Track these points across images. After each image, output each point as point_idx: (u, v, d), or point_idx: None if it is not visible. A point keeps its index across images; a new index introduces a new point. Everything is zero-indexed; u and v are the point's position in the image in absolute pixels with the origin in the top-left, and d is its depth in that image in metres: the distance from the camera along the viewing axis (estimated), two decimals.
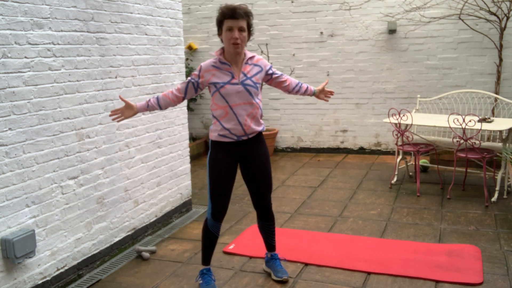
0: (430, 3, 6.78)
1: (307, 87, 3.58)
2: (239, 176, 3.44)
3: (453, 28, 6.82)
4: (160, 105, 3.26)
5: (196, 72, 3.25)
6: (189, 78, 3.27)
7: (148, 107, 3.25)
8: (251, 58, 3.27)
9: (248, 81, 3.19)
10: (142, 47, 4.29)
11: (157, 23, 4.49)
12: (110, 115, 3.28)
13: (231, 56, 3.19)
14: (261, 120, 3.32)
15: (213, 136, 3.27)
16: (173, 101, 3.27)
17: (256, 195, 3.42)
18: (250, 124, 3.22)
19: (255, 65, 3.27)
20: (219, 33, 3.21)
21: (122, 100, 3.23)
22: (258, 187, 3.39)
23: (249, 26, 3.18)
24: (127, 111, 3.24)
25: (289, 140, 7.93)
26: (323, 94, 3.72)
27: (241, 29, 3.11)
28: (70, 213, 3.54)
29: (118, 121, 3.28)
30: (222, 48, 3.24)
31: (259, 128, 3.30)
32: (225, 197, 3.31)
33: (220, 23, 3.17)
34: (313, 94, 3.64)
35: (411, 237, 4.23)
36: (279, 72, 3.43)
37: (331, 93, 3.76)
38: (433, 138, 5.96)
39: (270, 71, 3.35)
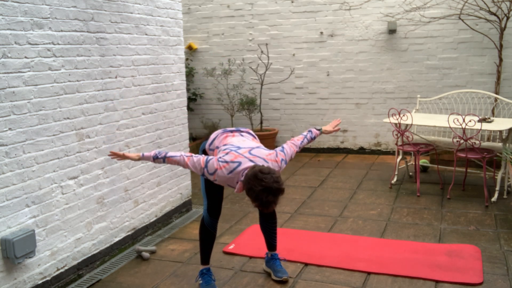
0: (430, 3, 6.78)
1: (313, 133, 3.41)
2: None
3: (453, 28, 6.82)
4: (165, 163, 3.14)
5: (210, 177, 3.00)
6: (202, 170, 2.99)
7: (153, 161, 3.10)
8: None
9: None
10: (142, 47, 4.29)
11: (157, 23, 4.49)
12: (109, 155, 3.14)
13: None
14: None
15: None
16: (177, 165, 3.12)
17: None
18: None
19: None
20: (249, 198, 2.88)
21: (126, 156, 3.07)
22: None
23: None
24: (130, 159, 3.12)
25: None
26: (331, 129, 3.58)
27: None
28: (70, 213, 3.54)
29: (118, 160, 3.21)
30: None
31: None
32: (219, 193, 3.34)
33: (249, 198, 2.86)
34: (321, 133, 3.49)
35: (411, 237, 4.23)
36: (286, 147, 3.22)
37: (337, 128, 3.60)
38: (433, 138, 5.96)
39: (284, 159, 3.14)
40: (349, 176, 6.30)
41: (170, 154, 3.07)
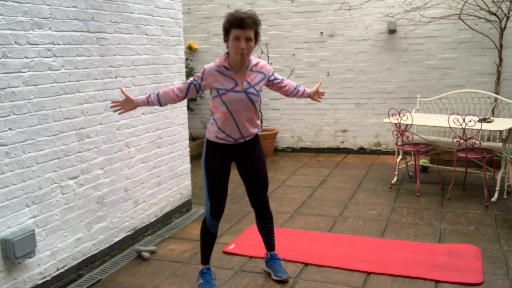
0: (430, 3, 6.78)
1: (304, 90, 3.60)
2: (239, 176, 3.46)
3: (453, 28, 6.82)
4: (160, 101, 3.23)
5: (199, 74, 3.21)
6: (191, 78, 3.24)
7: (148, 103, 3.23)
8: (256, 64, 3.26)
9: (251, 89, 3.20)
10: (142, 47, 4.29)
11: (157, 23, 4.49)
12: (111, 106, 3.26)
13: (236, 64, 3.16)
14: (257, 122, 3.34)
15: (211, 136, 3.29)
16: (173, 100, 3.25)
17: (252, 193, 3.45)
18: (248, 128, 3.27)
19: (259, 72, 3.26)
20: (225, 40, 3.14)
21: (123, 93, 3.21)
22: (254, 185, 3.42)
23: (257, 35, 3.13)
24: (127, 104, 3.23)
25: (289, 140, 7.93)
26: (316, 96, 3.73)
27: (248, 39, 3.06)
28: (70, 213, 3.54)
29: (118, 113, 3.28)
30: (227, 53, 3.19)
31: (256, 130, 3.35)
32: (222, 195, 3.36)
33: (227, 31, 3.09)
34: (309, 95, 3.66)
35: (411, 237, 4.23)
36: (280, 77, 3.43)
37: (323, 93, 3.77)
38: (433, 138, 5.96)
39: (272, 77, 3.37)
40: (349, 176, 6.30)
41: (162, 91, 3.26)
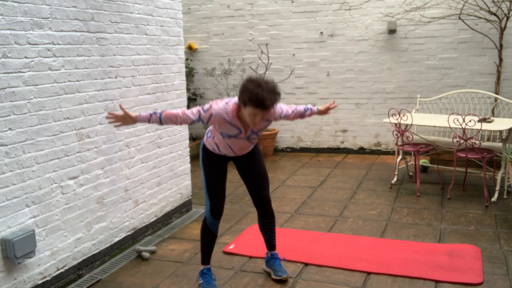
0: (430, 3, 6.78)
1: (311, 112, 3.48)
2: (239, 176, 3.47)
3: (453, 28, 6.82)
4: (162, 122, 3.10)
5: (205, 115, 3.03)
6: (196, 112, 3.05)
7: (149, 121, 3.09)
8: None
9: (253, 135, 3.21)
10: (142, 47, 4.29)
11: (157, 23, 4.49)
12: (107, 117, 3.09)
13: (246, 119, 3.01)
14: (255, 142, 3.35)
15: (208, 145, 3.31)
16: (175, 124, 3.15)
17: (254, 193, 3.46)
18: (244, 150, 3.31)
19: (266, 120, 3.16)
20: (242, 104, 2.93)
21: (122, 109, 3.03)
22: (255, 185, 3.44)
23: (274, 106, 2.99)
24: (125, 120, 3.06)
25: (289, 140, 7.93)
26: (326, 112, 3.63)
27: (265, 115, 2.96)
28: (70, 213, 3.54)
29: (114, 126, 3.16)
30: (238, 105, 3.01)
31: (252, 147, 3.35)
32: (222, 194, 3.37)
33: (244, 102, 2.90)
34: (317, 113, 3.56)
35: (411, 237, 4.23)
36: (285, 111, 3.30)
37: (333, 108, 3.64)
38: (433, 138, 5.96)
39: (278, 118, 3.27)
40: (349, 176, 6.30)
41: (166, 111, 3.11)
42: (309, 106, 3.51)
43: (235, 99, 3.05)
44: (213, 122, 3.06)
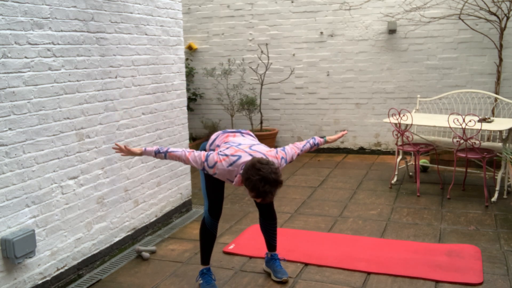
0: (430, 3, 6.78)
1: (317, 144, 3.40)
2: None
3: (453, 28, 6.82)
4: (167, 159, 3.12)
5: (209, 171, 3.01)
6: (202, 165, 3.01)
7: (154, 157, 3.13)
8: None
9: None
10: (142, 47, 4.29)
11: (157, 23, 4.49)
12: (113, 148, 3.14)
13: None
14: None
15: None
16: (178, 161, 3.13)
17: None
18: None
19: None
20: (246, 188, 2.88)
21: (127, 149, 3.07)
22: None
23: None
24: (130, 153, 3.11)
25: (289, 140, 7.92)
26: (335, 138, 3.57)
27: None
28: (70, 213, 3.54)
29: (121, 155, 3.17)
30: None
31: None
32: (220, 194, 3.36)
33: (246, 187, 2.86)
34: (324, 143, 3.48)
35: (411, 237, 4.23)
36: (289, 157, 3.19)
37: (342, 135, 3.57)
38: (433, 138, 5.96)
39: (282, 167, 3.13)
40: (349, 176, 6.30)
41: (171, 149, 3.10)
42: (316, 140, 3.39)
43: (239, 161, 2.95)
44: (214, 173, 3.02)
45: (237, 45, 7.85)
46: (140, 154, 3.12)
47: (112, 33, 3.90)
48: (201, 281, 3.43)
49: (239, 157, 2.97)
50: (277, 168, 2.87)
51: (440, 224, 4.52)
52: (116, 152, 3.16)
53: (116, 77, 3.96)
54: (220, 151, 3.04)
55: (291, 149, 3.24)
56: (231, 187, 5.65)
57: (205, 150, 3.37)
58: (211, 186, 3.32)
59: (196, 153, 3.05)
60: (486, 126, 5.10)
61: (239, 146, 3.06)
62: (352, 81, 7.41)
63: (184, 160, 3.06)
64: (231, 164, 2.96)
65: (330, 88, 7.52)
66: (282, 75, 7.67)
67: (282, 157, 3.13)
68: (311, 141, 3.38)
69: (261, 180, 2.78)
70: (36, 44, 3.20)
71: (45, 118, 3.29)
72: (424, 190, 5.55)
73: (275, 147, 7.96)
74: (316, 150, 7.75)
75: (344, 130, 3.66)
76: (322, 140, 3.44)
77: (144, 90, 4.33)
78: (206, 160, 3.00)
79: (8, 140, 3.04)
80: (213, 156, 3.01)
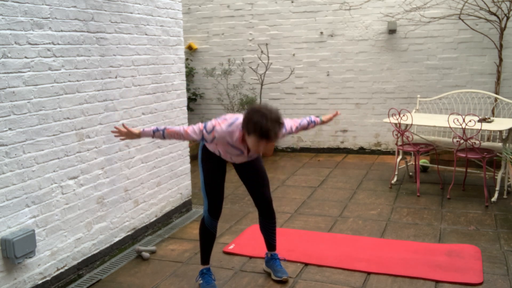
0: (430, 3, 6.78)
1: (314, 124, 3.51)
2: (238, 176, 3.47)
3: (453, 28, 6.82)
4: (165, 138, 3.14)
5: (208, 136, 3.02)
6: (200, 132, 3.03)
7: (153, 137, 3.14)
8: None
9: (254, 155, 3.23)
10: (142, 47, 4.29)
11: (157, 23, 4.49)
12: (112, 131, 3.17)
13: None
14: None
15: (209, 147, 3.28)
16: (178, 140, 3.19)
17: (255, 193, 3.46)
18: (243, 161, 3.33)
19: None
20: (246, 133, 2.92)
21: (126, 128, 3.08)
22: (255, 185, 3.44)
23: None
24: (129, 135, 3.12)
25: (289, 140, 7.93)
26: (328, 121, 3.67)
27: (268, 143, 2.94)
28: (70, 213, 3.54)
29: (120, 140, 3.21)
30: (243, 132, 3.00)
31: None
32: (220, 193, 3.36)
33: (248, 131, 2.89)
34: (320, 123, 3.59)
35: (411, 237, 4.23)
36: (289, 127, 3.29)
37: (335, 116, 3.68)
38: (433, 138, 5.96)
39: (282, 136, 3.19)
40: (349, 176, 6.30)
41: (169, 126, 3.13)
42: (313, 118, 3.52)
43: (238, 121, 3.00)
44: (216, 142, 3.07)
45: (237, 45, 7.85)
46: (139, 135, 3.12)
47: (112, 33, 3.90)
48: (201, 281, 3.43)
49: (237, 118, 3.04)
50: (277, 110, 2.94)
51: (440, 224, 4.52)
52: (116, 136, 3.16)
53: (116, 77, 3.96)
54: (218, 118, 3.11)
55: (290, 121, 3.36)
56: (231, 187, 5.66)
57: (203, 146, 3.38)
58: (211, 185, 3.32)
59: (195, 126, 3.09)
60: (486, 126, 5.10)
61: (237, 115, 3.12)
62: (352, 81, 7.41)
63: (183, 134, 3.08)
64: (230, 125, 3.01)
65: (330, 88, 7.52)
66: (282, 75, 7.67)
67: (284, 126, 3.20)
68: (308, 118, 3.50)
69: (263, 116, 2.82)
70: (36, 44, 3.20)
71: (45, 118, 3.29)
72: (424, 190, 5.55)
73: (275, 147, 8.00)
74: (316, 150, 7.75)
75: (336, 111, 3.75)
76: (318, 119, 3.56)
77: (144, 90, 4.33)
78: (205, 127, 3.04)
79: (8, 140, 3.04)
80: (211, 121, 3.07)
